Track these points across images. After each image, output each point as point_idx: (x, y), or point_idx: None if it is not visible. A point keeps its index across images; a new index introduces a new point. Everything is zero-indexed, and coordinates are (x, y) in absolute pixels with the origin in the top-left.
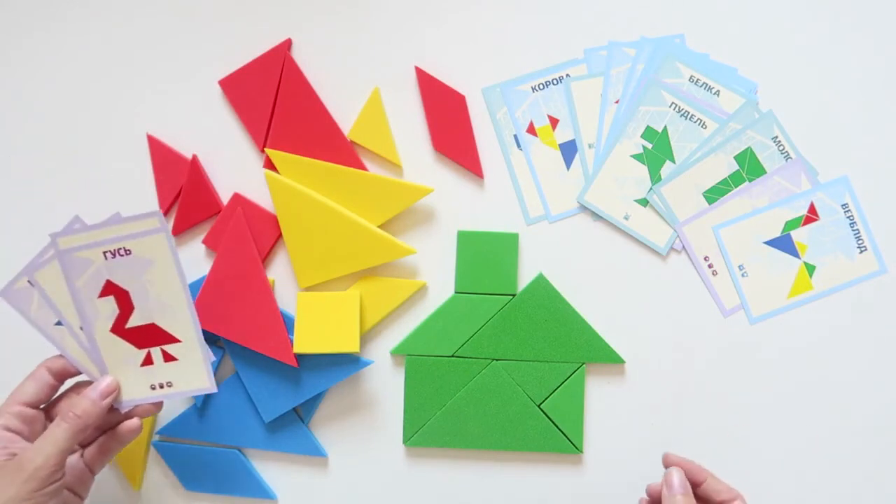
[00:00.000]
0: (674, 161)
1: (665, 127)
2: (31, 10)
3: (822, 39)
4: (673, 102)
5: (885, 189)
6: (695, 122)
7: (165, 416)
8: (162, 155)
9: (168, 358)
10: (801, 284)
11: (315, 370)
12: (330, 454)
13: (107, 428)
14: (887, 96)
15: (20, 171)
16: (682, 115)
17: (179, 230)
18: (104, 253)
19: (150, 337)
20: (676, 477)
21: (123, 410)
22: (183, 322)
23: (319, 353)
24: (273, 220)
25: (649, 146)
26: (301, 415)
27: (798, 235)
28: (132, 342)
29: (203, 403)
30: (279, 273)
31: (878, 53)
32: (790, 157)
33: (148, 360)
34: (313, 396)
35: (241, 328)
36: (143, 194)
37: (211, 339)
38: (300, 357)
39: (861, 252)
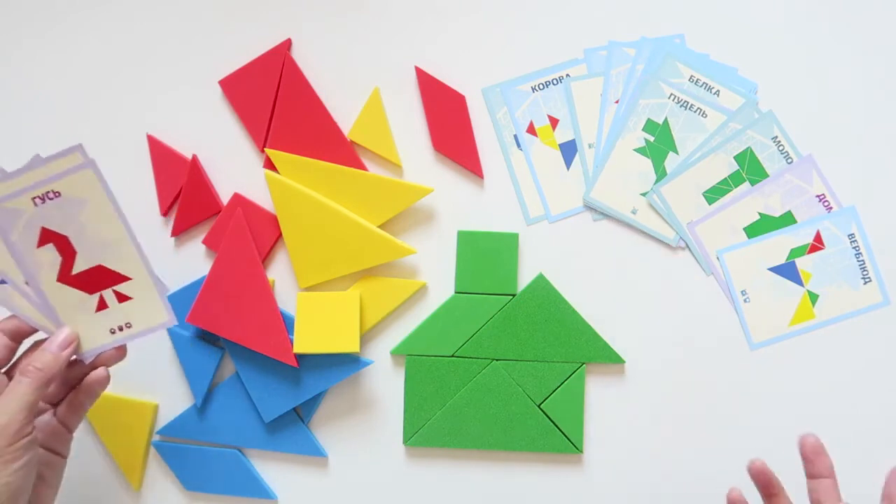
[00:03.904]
0: (677, 152)
1: (665, 118)
2: (33, 10)
3: (822, 39)
4: (672, 94)
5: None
6: (695, 112)
7: (165, 417)
8: (162, 155)
9: (122, 298)
10: (804, 313)
11: (315, 370)
12: (330, 454)
13: (74, 383)
14: (887, 96)
15: None
16: (681, 105)
17: (179, 230)
18: (33, 199)
19: (100, 280)
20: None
21: (87, 361)
22: (130, 258)
23: (319, 353)
24: (273, 220)
25: (651, 139)
26: (301, 415)
27: (802, 263)
28: (82, 288)
29: (203, 403)
30: (279, 273)
31: (878, 53)
32: (790, 157)
33: (102, 305)
34: (313, 396)
35: (241, 328)
36: (143, 194)
37: (211, 339)
38: (300, 357)
39: (865, 283)
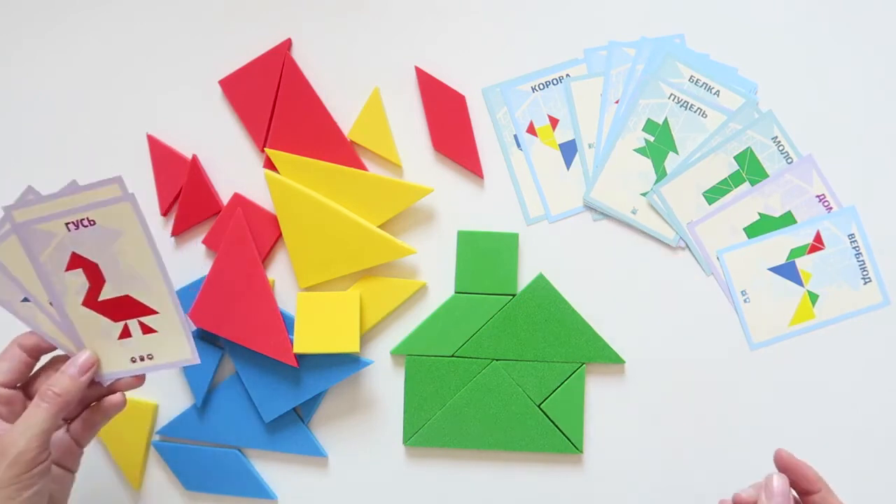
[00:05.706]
0: (677, 152)
1: (665, 119)
2: (33, 10)
3: (822, 39)
4: (672, 94)
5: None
6: (695, 112)
7: (165, 416)
8: (162, 155)
9: (146, 330)
10: (804, 313)
11: (315, 370)
12: (330, 454)
13: (90, 402)
14: (887, 96)
15: (21, 170)
16: (681, 105)
17: (179, 230)
18: (67, 224)
19: (126, 309)
20: (778, 483)
21: (105, 384)
22: (159, 293)
23: (319, 353)
24: (273, 220)
25: (651, 139)
26: (301, 415)
27: (802, 263)
28: (107, 315)
29: (203, 403)
30: (279, 273)
31: (878, 53)
32: (790, 157)
33: (125, 333)
34: (313, 396)
35: (241, 328)
36: (143, 194)
37: (211, 339)
38: (300, 357)
39: (865, 283)
